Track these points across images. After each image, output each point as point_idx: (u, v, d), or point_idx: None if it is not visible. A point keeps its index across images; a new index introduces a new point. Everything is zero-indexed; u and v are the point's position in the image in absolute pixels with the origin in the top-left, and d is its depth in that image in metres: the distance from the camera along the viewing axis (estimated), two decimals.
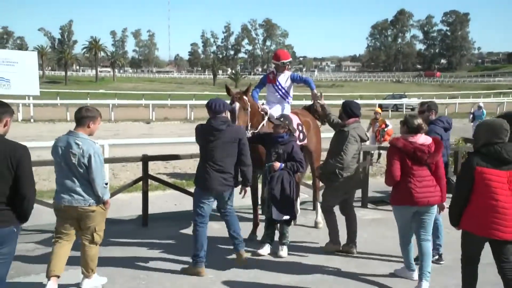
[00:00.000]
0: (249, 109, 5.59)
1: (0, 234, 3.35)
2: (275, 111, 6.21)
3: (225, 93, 5.82)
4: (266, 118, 6.02)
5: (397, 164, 4.55)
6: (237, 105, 5.44)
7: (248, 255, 5.32)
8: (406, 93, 41.76)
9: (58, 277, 4.31)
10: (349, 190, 5.56)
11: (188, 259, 5.27)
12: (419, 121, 4.65)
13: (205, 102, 5.62)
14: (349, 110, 5.45)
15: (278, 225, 5.58)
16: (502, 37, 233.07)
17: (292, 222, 6.17)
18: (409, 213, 4.64)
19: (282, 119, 5.52)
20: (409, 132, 4.61)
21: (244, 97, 5.55)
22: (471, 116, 17.16)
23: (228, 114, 5.23)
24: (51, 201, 7.07)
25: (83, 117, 4.26)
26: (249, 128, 5.57)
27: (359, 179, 5.69)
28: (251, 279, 4.80)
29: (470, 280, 3.92)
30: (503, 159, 3.65)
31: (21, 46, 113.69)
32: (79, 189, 4.23)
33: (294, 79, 6.50)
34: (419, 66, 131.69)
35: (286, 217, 5.40)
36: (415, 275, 4.79)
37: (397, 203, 4.69)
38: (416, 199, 4.51)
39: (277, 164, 5.30)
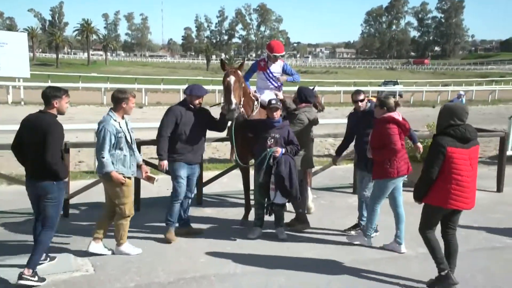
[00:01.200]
0: (243, 82, 5.57)
1: (43, 186, 4.31)
2: (267, 97, 6.16)
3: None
4: (258, 105, 5.99)
5: (398, 136, 4.92)
6: (232, 78, 5.38)
7: (239, 238, 5.44)
8: (398, 80, 41.78)
9: (100, 239, 4.91)
10: (300, 169, 5.77)
11: (179, 243, 5.31)
12: (393, 99, 5.11)
13: None
14: (303, 97, 5.83)
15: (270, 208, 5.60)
16: (495, 25, 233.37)
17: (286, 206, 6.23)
18: (396, 183, 5.10)
19: (278, 103, 5.52)
20: (388, 112, 4.99)
21: (239, 71, 5.52)
22: None
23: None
24: None
25: (114, 98, 4.80)
26: (241, 104, 5.54)
27: (307, 160, 5.88)
28: (243, 261, 4.83)
29: (436, 243, 4.31)
30: (467, 139, 4.08)
31: (11, 27, 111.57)
32: (96, 159, 4.95)
33: (285, 72, 6.45)
34: (413, 53, 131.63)
35: (286, 201, 5.47)
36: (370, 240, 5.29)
37: (394, 176, 4.99)
38: (408, 168, 5.11)
39: (279, 150, 5.31)
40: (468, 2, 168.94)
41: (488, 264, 4.97)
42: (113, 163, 4.70)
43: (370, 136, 5.18)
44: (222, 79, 5.52)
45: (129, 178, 4.87)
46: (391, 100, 5.05)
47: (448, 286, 4.23)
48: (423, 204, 4.34)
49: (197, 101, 5.43)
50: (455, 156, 4.04)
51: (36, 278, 4.21)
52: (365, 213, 5.56)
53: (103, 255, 4.88)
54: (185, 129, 5.32)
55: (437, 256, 4.27)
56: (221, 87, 5.65)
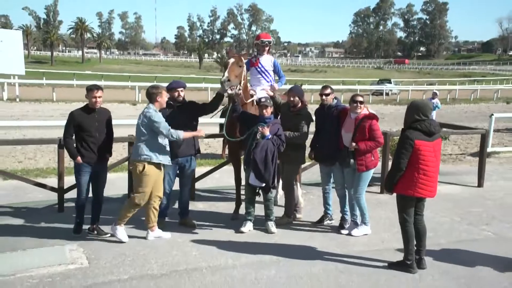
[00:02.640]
0: (244, 68, 5.60)
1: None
2: (262, 93, 6.15)
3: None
4: (254, 97, 6.01)
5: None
6: (231, 60, 5.47)
7: (230, 232, 5.47)
8: (392, 79, 42.04)
9: (153, 227, 5.25)
10: (286, 164, 5.80)
11: (172, 236, 5.31)
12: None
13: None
14: (301, 97, 5.81)
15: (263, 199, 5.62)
16: (477, 27, 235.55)
17: (277, 199, 6.25)
18: None
19: (268, 101, 5.54)
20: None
21: (241, 57, 5.60)
22: None
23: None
24: (37, 179, 7.02)
25: (149, 94, 5.05)
26: (241, 83, 5.56)
27: (296, 156, 5.82)
28: (234, 254, 4.84)
29: (412, 236, 4.53)
30: (431, 132, 4.36)
31: (6, 24, 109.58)
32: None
33: (275, 66, 6.49)
34: (399, 53, 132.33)
35: (262, 185, 5.42)
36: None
37: (376, 165, 5.47)
38: None
39: (267, 130, 5.33)
40: (451, 4, 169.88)
41: (469, 255, 5.04)
42: (152, 150, 4.96)
43: (355, 130, 5.29)
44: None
45: (160, 167, 5.07)
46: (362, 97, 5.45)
47: (408, 271, 4.51)
48: (395, 196, 4.60)
49: (176, 94, 5.48)
50: (421, 148, 4.32)
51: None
52: (331, 203, 5.89)
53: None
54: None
55: (409, 247, 4.54)
56: (213, 85, 5.65)
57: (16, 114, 16.99)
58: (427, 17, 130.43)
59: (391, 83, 37.69)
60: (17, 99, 22.25)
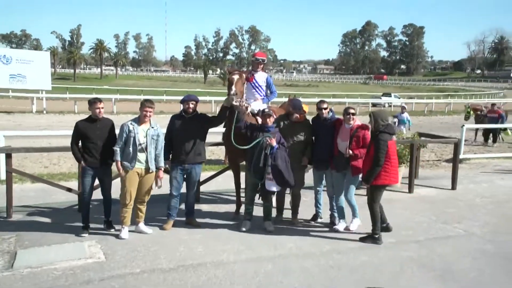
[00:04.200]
0: (246, 84, 5.57)
1: None
2: (256, 106, 6.11)
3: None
4: (249, 109, 5.93)
5: None
6: (236, 76, 5.43)
7: (232, 231, 5.47)
8: (392, 94, 42.24)
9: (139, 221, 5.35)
10: (296, 171, 5.68)
11: (179, 234, 5.31)
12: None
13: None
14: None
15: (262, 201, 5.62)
16: (449, 48, 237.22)
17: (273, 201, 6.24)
18: None
19: (271, 111, 5.51)
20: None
21: (243, 74, 5.61)
22: (396, 120, 13.09)
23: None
24: (60, 183, 7.02)
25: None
26: (244, 97, 5.63)
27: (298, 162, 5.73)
28: (235, 250, 4.84)
29: (378, 215, 5.17)
30: (392, 133, 5.13)
31: (37, 46, 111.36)
32: None
33: (268, 82, 6.45)
34: (382, 70, 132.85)
35: (279, 189, 5.48)
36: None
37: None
38: None
39: (274, 141, 5.27)
40: (427, 28, 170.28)
41: (444, 250, 5.05)
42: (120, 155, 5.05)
43: (351, 139, 5.32)
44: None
45: (127, 171, 5.05)
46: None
47: (375, 243, 5.10)
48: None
49: (187, 106, 5.46)
50: (390, 146, 5.04)
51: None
52: (321, 202, 5.94)
53: (123, 239, 5.10)
54: (177, 134, 5.39)
55: (377, 224, 5.16)
56: (217, 98, 5.67)
57: (43, 124, 17.01)
58: (407, 39, 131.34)
59: (391, 96, 38.08)
60: (44, 111, 22.28)
